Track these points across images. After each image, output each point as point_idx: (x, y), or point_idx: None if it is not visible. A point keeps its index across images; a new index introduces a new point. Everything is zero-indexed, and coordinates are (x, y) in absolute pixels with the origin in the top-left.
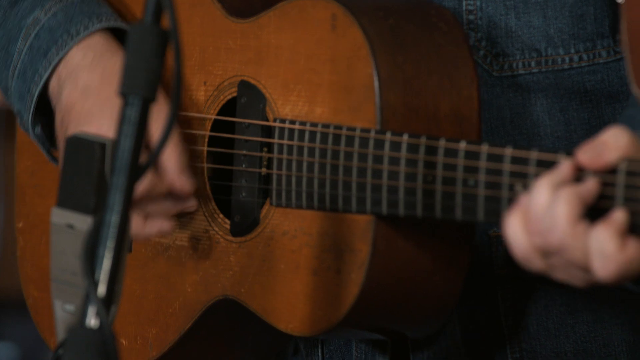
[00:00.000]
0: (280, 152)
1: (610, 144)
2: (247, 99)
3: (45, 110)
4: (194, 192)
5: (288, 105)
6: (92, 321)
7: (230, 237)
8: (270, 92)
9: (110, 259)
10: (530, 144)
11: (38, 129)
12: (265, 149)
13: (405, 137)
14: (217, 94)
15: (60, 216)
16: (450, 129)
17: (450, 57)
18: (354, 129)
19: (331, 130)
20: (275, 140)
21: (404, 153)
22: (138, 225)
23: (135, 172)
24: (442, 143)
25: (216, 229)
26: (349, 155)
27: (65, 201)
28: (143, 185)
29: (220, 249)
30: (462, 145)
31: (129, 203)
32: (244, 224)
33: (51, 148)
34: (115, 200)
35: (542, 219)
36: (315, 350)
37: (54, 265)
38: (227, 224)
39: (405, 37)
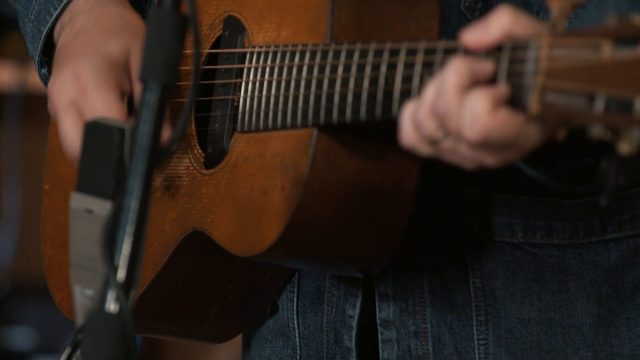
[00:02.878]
0: (248, 77)
1: (492, 23)
2: (229, 32)
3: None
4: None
5: (261, 33)
6: (111, 306)
7: (204, 170)
8: (249, 23)
9: (130, 244)
10: None
11: (45, 71)
12: (238, 79)
13: (345, 45)
14: (209, 32)
15: (79, 201)
16: None
17: None
18: (306, 45)
19: (288, 49)
20: (236, 65)
21: (342, 60)
22: None
23: (155, 157)
24: (372, 46)
25: (194, 163)
26: (299, 70)
27: (85, 186)
28: None
29: (195, 183)
30: (388, 45)
31: (149, 188)
32: (215, 155)
33: None
34: (135, 185)
35: (433, 89)
36: (291, 305)
37: (73, 250)
38: (202, 157)
39: None
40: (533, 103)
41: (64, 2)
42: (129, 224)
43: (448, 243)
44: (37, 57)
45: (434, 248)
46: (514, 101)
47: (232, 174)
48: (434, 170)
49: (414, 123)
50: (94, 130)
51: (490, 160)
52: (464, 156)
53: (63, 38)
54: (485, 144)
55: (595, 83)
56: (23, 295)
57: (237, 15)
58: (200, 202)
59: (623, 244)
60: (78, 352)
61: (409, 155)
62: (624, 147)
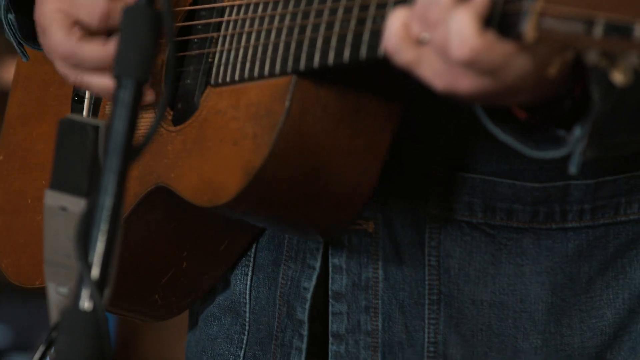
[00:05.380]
0: (227, 30)
1: None
2: None
3: (24, 8)
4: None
5: None
6: (85, 304)
7: (171, 127)
8: None
9: (104, 242)
10: None
11: (11, 16)
12: (215, 33)
13: None
14: None
15: (53, 198)
16: None
17: None
18: None
19: None
20: (213, 20)
21: (328, 3)
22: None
23: (129, 154)
24: None
25: (162, 122)
26: (281, 18)
27: (59, 183)
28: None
29: (161, 140)
30: None
31: (123, 186)
32: (184, 111)
33: (24, 42)
34: (109, 183)
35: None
36: (245, 279)
37: (47, 247)
38: (171, 114)
39: None
40: (530, 29)
41: None
42: (103, 221)
43: (407, 219)
44: (3, 2)
45: (393, 223)
46: (509, 29)
47: (201, 129)
48: (398, 144)
49: (403, 24)
50: (68, 127)
51: (465, 84)
52: (439, 72)
53: None
54: (469, 64)
55: (594, 8)
56: None
57: None
58: (165, 158)
59: (582, 234)
60: (52, 350)
61: (385, 114)
62: (618, 77)
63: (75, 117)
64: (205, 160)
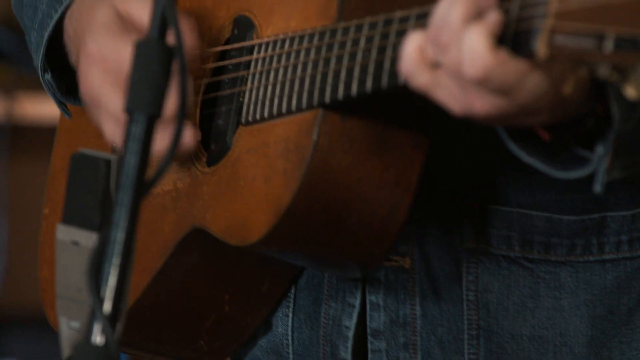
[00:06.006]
0: (255, 67)
1: None
2: (238, 30)
3: (59, 64)
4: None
5: (270, 26)
6: (97, 338)
7: (205, 169)
8: (259, 19)
9: (116, 276)
10: None
11: (48, 76)
12: (245, 72)
13: (354, 21)
14: (218, 35)
15: (65, 233)
16: None
17: None
18: (314, 28)
19: (296, 34)
20: (243, 59)
21: (350, 35)
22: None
23: (141, 188)
24: (381, 17)
25: (196, 163)
26: (307, 52)
27: (71, 218)
28: None
29: (197, 182)
30: (398, 14)
31: (135, 220)
32: (218, 152)
33: (64, 99)
34: (121, 217)
35: (437, 21)
36: (286, 320)
37: (59, 281)
38: (205, 155)
39: None
40: (541, 46)
41: (65, 3)
42: (115, 255)
43: (443, 254)
44: (40, 63)
45: (429, 258)
46: (521, 48)
47: (234, 168)
48: (432, 177)
49: (417, 47)
50: (80, 161)
51: (481, 104)
52: (455, 94)
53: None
54: (483, 83)
55: (605, 22)
56: (10, 327)
57: (247, 14)
58: (200, 199)
59: (620, 266)
60: None
61: (413, 146)
62: (630, 91)
63: (88, 151)
64: (238, 199)
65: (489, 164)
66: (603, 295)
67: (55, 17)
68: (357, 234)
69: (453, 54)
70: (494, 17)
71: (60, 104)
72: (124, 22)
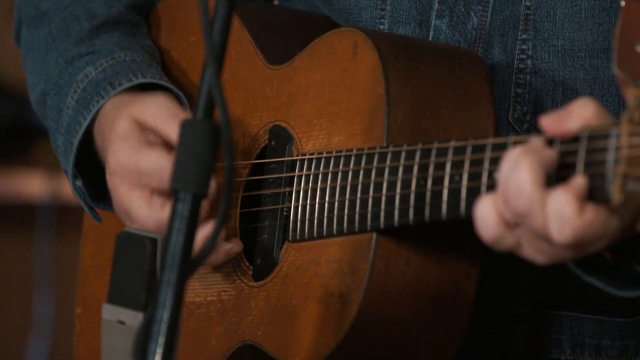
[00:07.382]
0: (299, 185)
1: (574, 113)
2: (275, 142)
3: (88, 168)
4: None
5: (310, 140)
6: None
7: (252, 283)
8: (297, 131)
9: (161, 355)
10: None
11: (79, 183)
12: (288, 188)
13: (405, 146)
14: (252, 144)
15: (111, 312)
16: None
17: (469, 89)
18: (361, 149)
19: (342, 153)
20: (285, 174)
21: (402, 161)
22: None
23: (186, 267)
24: (435, 145)
25: (241, 276)
26: (355, 175)
27: (116, 297)
28: None
29: (243, 296)
30: (452, 143)
31: (180, 299)
32: (264, 266)
33: (95, 205)
34: (166, 296)
35: (507, 186)
36: None
37: None
38: (250, 269)
39: (422, 62)
40: (615, 193)
41: (93, 111)
42: (160, 335)
43: (496, 358)
44: (70, 170)
45: None
46: (594, 192)
47: (283, 284)
48: (483, 283)
49: (497, 213)
50: (126, 240)
51: (569, 255)
52: (542, 250)
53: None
54: (575, 245)
55: None
56: None
57: (284, 125)
58: (249, 315)
59: None
60: None
61: (469, 259)
62: None
63: (133, 230)
64: (292, 318)
65: (539, 269)
66: None
67: (84, 124)
68: (417, 348)
69: (537, 221)
70: (579, 182)
71: (91, 209)
72: (143, 131)
